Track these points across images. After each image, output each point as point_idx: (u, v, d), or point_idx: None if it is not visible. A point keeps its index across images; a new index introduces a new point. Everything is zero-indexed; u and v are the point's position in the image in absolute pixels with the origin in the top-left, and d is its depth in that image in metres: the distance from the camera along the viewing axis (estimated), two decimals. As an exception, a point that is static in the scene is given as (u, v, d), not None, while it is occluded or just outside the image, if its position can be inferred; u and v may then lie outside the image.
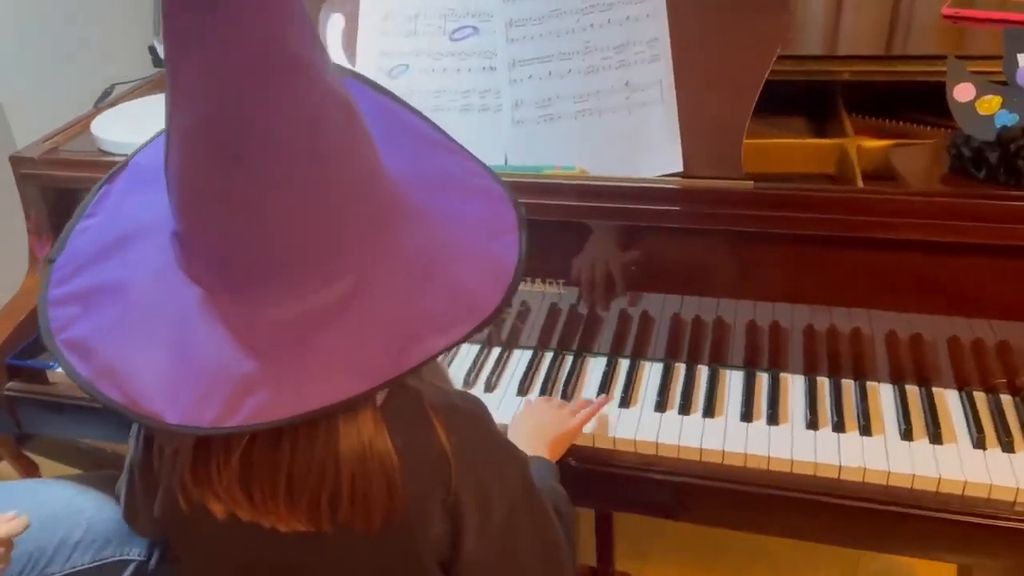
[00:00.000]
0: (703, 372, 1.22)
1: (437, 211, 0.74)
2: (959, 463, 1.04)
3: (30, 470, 1.58)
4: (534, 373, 1.25)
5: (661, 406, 1.16)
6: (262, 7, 0.58)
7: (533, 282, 1.23)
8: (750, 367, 1.21)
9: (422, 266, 0.70)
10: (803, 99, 1.42)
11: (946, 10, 1.49)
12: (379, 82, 1.27)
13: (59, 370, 1.29)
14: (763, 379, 1.20)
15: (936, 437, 1.07)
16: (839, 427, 1.10)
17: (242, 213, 0.63)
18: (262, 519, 0.71)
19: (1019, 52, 1.11)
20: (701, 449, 1.10)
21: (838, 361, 1.18)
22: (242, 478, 0.69)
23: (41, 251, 1.40)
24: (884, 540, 1.07)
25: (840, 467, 1.05)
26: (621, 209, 1.15)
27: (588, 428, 1.12)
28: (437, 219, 0.74)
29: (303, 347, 0.64)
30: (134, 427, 0.83)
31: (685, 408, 1.15)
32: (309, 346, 0.65)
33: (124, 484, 0.94)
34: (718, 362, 1.23)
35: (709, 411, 1.15)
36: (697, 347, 1.23)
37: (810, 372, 1.20)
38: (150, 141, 0.79)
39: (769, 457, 1.08)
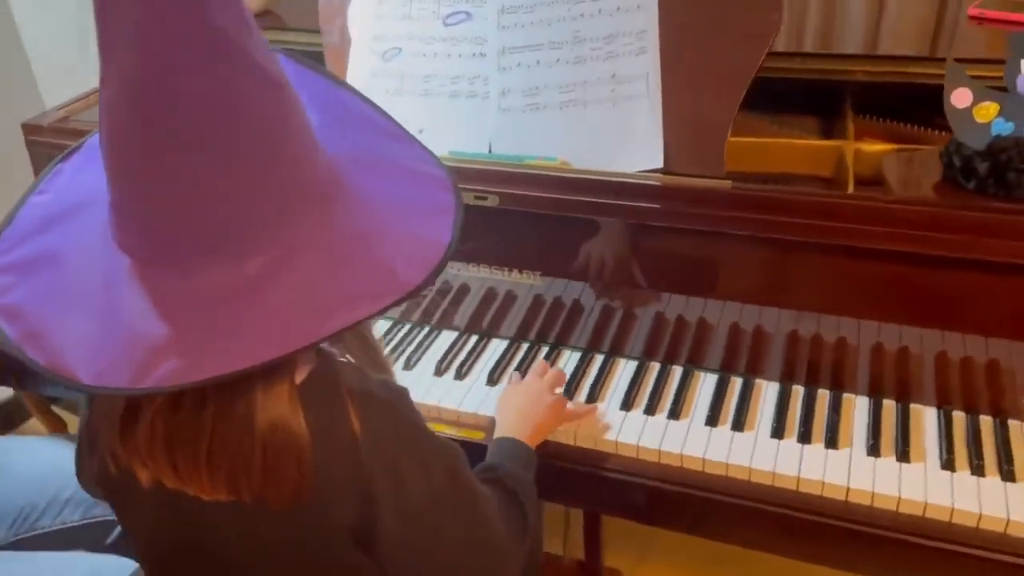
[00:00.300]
0: (676, 373, 1.20)
1: (375, 192, 0.75)
2: (923, 483, 1.00)
3: (57, 426, 1.64)
4: (507, 363, 1.24)
5: (627, 405, 1.15)
6: None
7: (510, 272, 1.22)
8: (725, 371, 1.19)
9: (348, 243, 0.70)
10: (819, 98, 1.38)
11: (971, 10, 1.42)
12: (372, 65, 1.29)
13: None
14: (736, 383, 1.17)
15: (904, 455, 1.04)
16: (804, 438, 1.07)
17: (162, 183, 0.65)
18: (186, 487, 0.73)
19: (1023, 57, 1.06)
20: (660, 451, 1.08)
21: (815, 370, 1.15)
22: (166, 445, 0.71)
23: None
24: (843, 558, 1.05)
25: (799, 479, 1.03)
26: (597, 204, 1.13)
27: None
28: (374, 200, 0.74)
29: (219, 316, 0.66)
30: None
31: (651, 408, 1.14)
32: (225, 316, 0.66)
33: (78, 442, 0.98)
34: (693, 363, 1.20)
35: (675, 413, 1.13)
36: (674, 347, 1.21)
37: (785, 380, 1.17)
38: None
39: (727, 464, 1.06)
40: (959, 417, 1.09)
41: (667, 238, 1.13)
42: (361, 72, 1.29)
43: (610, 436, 1.10)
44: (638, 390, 1.17)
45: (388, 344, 1.28)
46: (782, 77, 1.30)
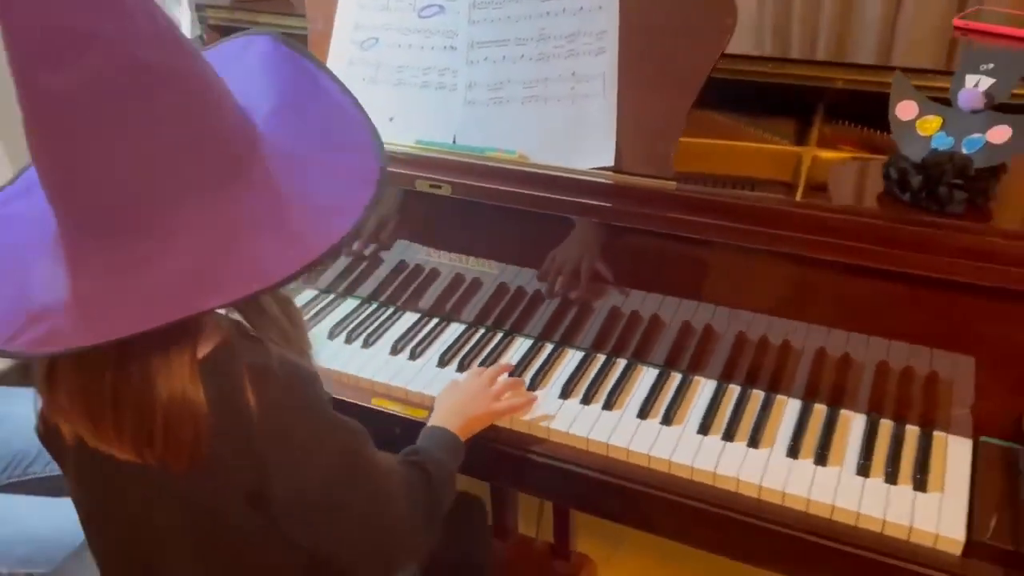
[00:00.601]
0: (619, 365, 1.23)
1: (295, 184, 0.79)
2: (834, 487, 1.02)
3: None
4: (459, 348, 1.29)
5: (566, 393, 1.19)
6: None
7: (466, 259, 1.27)
8: (666, 366, 1.22)
9: (248, 222, 0.74)
10: (798, 104, 1.38)
11: (957, 21, 1.41)
12: (351, 54, 1.33)
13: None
14: (674, 379, 1.20)
15: (821, 458, 1.06)
16: (728, 436, 1.10)
17: (60, 160, 0.70)
18: (100, 446, 0.80)
19: (970, 72, 1.06)
20: (588, 439, 1.12)
21: (754, 370, 1.17)
22: (79, 404, 0.77)
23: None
24: (761, 556, 1.07)
25: (714, 474, 1.06)
26: (548, 199, 1.17)
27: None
28: (291, 187, 0.79)
29: (114, 286, 0.71)
30: None
31: (588, 398, 1.18)
32: (119, 285, 0.71)
33: None
34: (637, 358, 1.24)
35: (609, 404, 1.16)
36: (621, 341, 1.24)
37: (724, 379, 1.19)
38: None
39: (649, 456, 1.09)
40: (885, 425, 1.11)
41: (614, 235, 1.17)
42: (340, 60, 1.34)
43: (544, 423, 1.15)
44: (578, 380, 1.21)
45: (352, 322, 1.34)
46: (764, 82, 1.32)
